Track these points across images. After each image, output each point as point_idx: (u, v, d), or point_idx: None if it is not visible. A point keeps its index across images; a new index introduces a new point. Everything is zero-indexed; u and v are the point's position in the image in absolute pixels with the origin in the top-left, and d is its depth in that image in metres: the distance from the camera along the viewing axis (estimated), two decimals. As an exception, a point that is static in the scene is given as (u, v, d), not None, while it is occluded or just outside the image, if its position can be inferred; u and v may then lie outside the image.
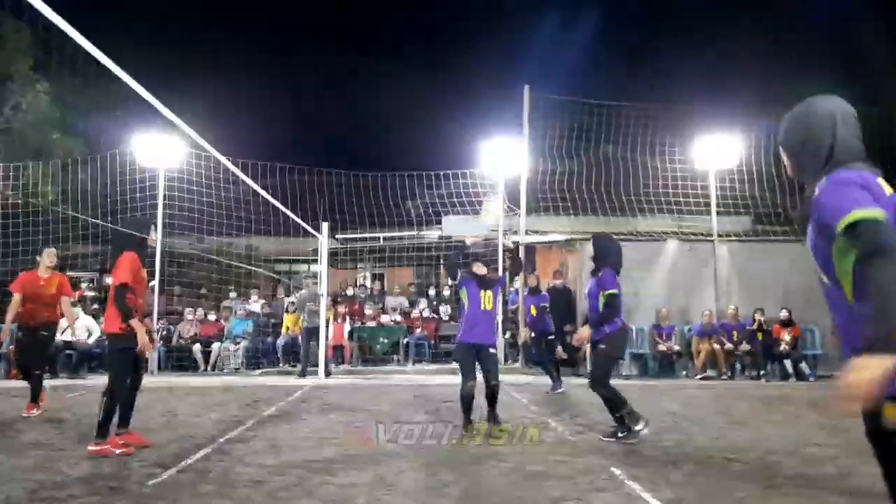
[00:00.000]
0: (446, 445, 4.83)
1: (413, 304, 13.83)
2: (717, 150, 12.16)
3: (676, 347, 11.33)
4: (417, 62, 37.70)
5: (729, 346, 10.90)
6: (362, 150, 28.75)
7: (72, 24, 3.71)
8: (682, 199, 12.73)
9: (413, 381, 9.87)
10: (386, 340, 12.39)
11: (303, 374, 10.24)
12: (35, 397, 6.23)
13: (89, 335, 10.80)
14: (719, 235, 12.04)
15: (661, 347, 11.29)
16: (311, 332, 10.52)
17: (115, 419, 4.49)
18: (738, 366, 11.16)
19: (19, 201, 13.40)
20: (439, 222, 16.37)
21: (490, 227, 11.98)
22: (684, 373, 11.33)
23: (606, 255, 5.26)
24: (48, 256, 6.38)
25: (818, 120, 1.73)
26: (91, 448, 4.35)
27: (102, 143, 15.36)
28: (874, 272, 1.39)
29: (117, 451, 4.34)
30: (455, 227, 15.99)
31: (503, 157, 12.39)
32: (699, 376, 10.65)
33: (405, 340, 12.36)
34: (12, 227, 12.71)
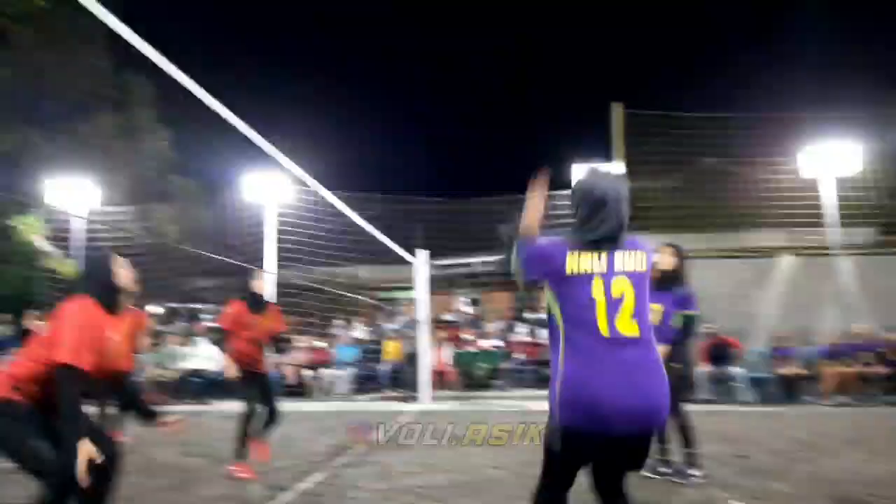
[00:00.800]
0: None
1: (511, 329, 13.77)
2: (835, 158, 11.33)
3: (800, 371, 10.48)
4: (509, 87, 38.07)
5: (861, 368, 9.96)
6: (457, 177, 29.27)
7: (187, 74, 4.10)
8: (795, 212, 11.93)
9: (515, 406, 9.78)
10: (485, 365, 12.38)
11: (407, 400, 10.44)
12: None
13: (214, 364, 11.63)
14: (841, 248, 11.15)
15: (783, 371, 10.49)
16: (412, 358, 10.74)
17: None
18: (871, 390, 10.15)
19: (147, 241, 14.74)
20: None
21: None
22: (808, 398, 10.44)
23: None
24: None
25: None
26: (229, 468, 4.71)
27: (217, 184, 16.73)
28: None
29: (244, 475, 4.64)
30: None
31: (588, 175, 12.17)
32: (828, 402, 9.79)
33: (504, 365, 12.30)
34: (143, 264, 13.97)
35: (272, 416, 5.06)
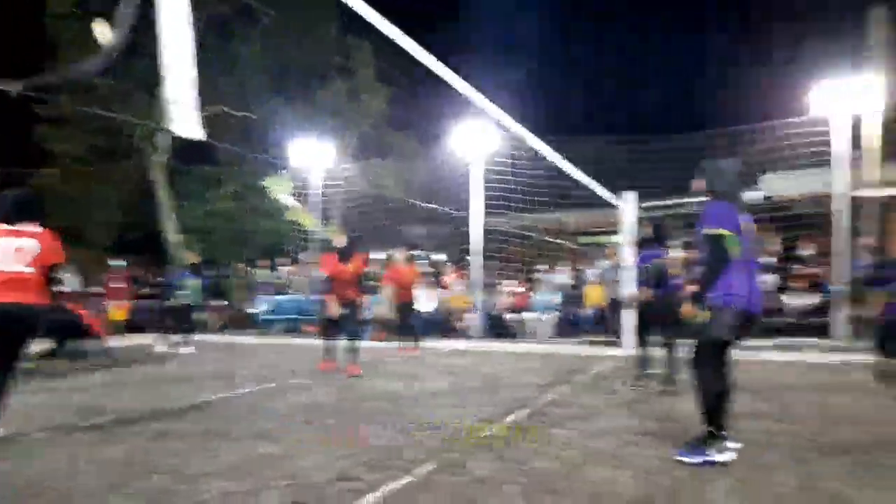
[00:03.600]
0: (780, 427, 4.39)
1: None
2: None
3: None
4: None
5: None
6: (669, 113, 27.14)
7: (405, 32, 4.40)
8: None
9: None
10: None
11: (610, 345, 10.32)
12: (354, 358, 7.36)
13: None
14: None
15: None
16: (616, 304, 10.52)
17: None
18: None
19: (371, 193, 16.31)
20: (757, 182, 14.55)
21: None
22: None
23: None
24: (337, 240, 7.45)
25: None
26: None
27: (430, 137, 17.72)
28: None
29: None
30: (779, 185, 14.04)
31: (846, 93, 10.34)
32: None
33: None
34: (368, 216, 15.55)
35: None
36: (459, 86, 5.25)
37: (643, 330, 6.51)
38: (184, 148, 17.24)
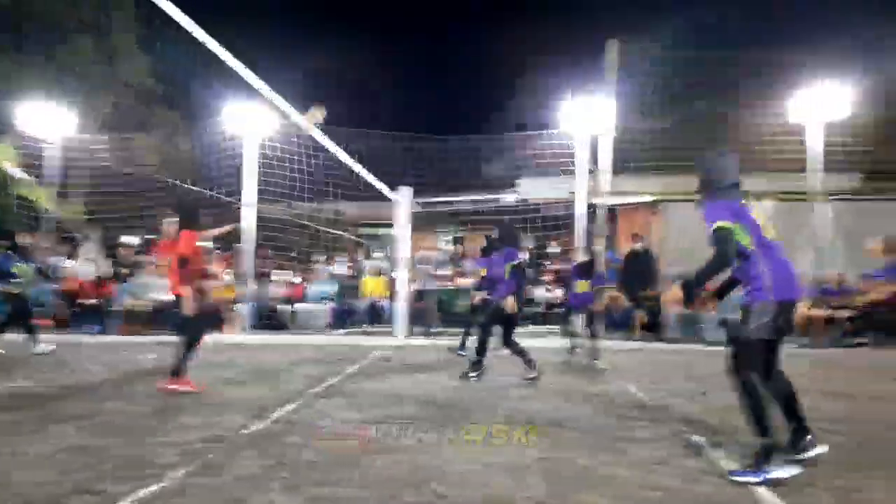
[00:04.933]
0: (524, 405, 4.88)
1: (491, 268, 13.83)
2: (823, 101, 11.17)
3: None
4: (496, 19, 36.83)
5: (828, 312, 10.21)
6: (442, 115, 28.69)
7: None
8: (782, 157, 11.89)
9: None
10: (464, 303, 12.52)
11: (383, 335, 10.62)
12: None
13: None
14: (825, 194, 11.14)
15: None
16: (423, 294, 10.86)
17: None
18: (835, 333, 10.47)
19: (130, 171, 14.45)
20: (514, 185, 16.17)
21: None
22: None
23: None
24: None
25: None
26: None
27: (199, 114, 16.26)
28: None
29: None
30: (531, 189, 15.77)
31: (586, 114, 11.97)
32: (795, 344, 10.08)
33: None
34: (123, 195, 13.75)
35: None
36: (234, 64, 4.89)
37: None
38: None
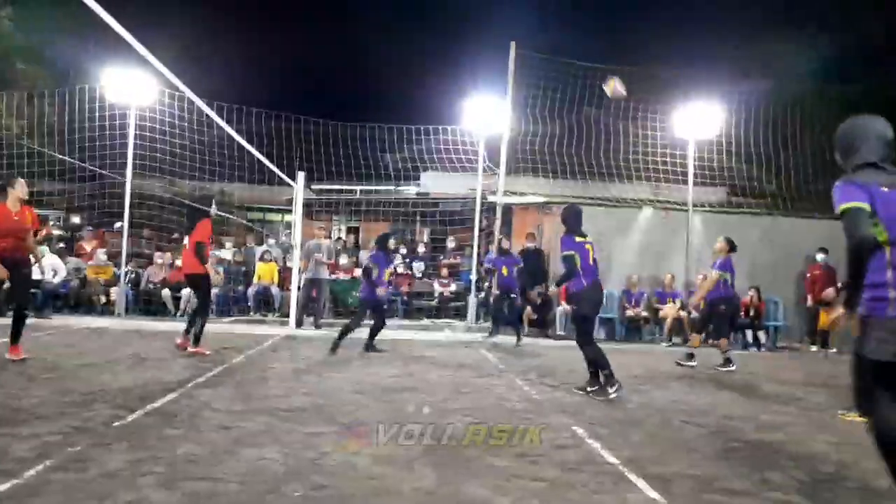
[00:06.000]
0: (412, 398, 4.89)
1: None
2: (698, 120, 12.12)
3: (644, 313, 11.58)
4: (404, 13, 36.74)
5: (695, 314, 11.13)
6: (342, 100, 28.20)
7: None
8: (660, 168, 12.78)
9: (385, 335, 9.90)
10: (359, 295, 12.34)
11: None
12: (18, 338, 5.74)
13: (55, 274, 10.62)
14: (694, 206, 12.13)
15: (629, 312, 11.52)
16: (314, 283, 10.49)
17: None
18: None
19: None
20: (417, 178, 16.21)
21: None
22: (650, 338, 11.62)
23: (565, 221, 5.68)
24: (21, 187, 5.78)
25: None
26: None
27: (72, 77, 14.77)
28: None
29: None
30: (433, 183, 15.88)
31: (486, 114, 12.21)
32: (665, 343, 10.90)
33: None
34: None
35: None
36: (112, 22, 4.47)
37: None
38: None
